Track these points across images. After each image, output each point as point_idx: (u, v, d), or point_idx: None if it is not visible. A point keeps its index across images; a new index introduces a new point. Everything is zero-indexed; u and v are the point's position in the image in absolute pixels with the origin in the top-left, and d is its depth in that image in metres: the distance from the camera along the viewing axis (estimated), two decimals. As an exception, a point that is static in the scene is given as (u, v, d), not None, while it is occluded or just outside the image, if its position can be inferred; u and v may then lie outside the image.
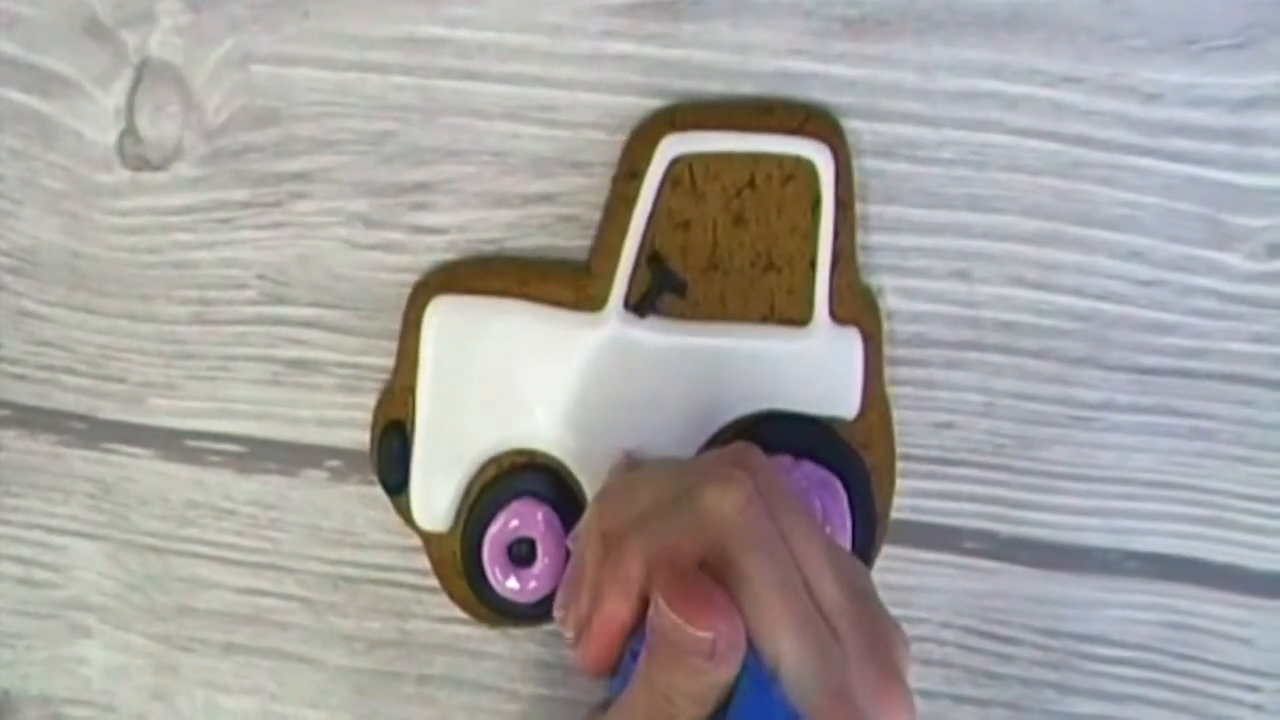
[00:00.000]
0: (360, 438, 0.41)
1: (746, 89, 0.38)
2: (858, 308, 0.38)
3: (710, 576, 0.29)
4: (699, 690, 0.28)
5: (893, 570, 0.40)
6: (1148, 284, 0.38)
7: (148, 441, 0.42)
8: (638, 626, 0.31)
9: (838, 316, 0.38)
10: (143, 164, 0.40)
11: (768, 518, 0.30)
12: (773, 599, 0.29)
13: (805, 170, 0.37)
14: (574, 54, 0.38)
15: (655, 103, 0.38)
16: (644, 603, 0.30)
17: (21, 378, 0.42)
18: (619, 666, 0.32)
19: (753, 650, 0.29)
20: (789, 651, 0.29)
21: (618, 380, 0.38)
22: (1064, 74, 0.37)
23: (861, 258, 0.38)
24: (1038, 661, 0.41)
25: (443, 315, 0.38)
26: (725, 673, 0.28)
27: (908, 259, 0.39)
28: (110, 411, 0.42)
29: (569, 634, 0.33)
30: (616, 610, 0.31)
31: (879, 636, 0.30)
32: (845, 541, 0.39)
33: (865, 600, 0.31)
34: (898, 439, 0.39)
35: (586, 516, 0.34)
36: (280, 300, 0.41)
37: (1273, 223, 0.37)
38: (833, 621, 0.30)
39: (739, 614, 0.28)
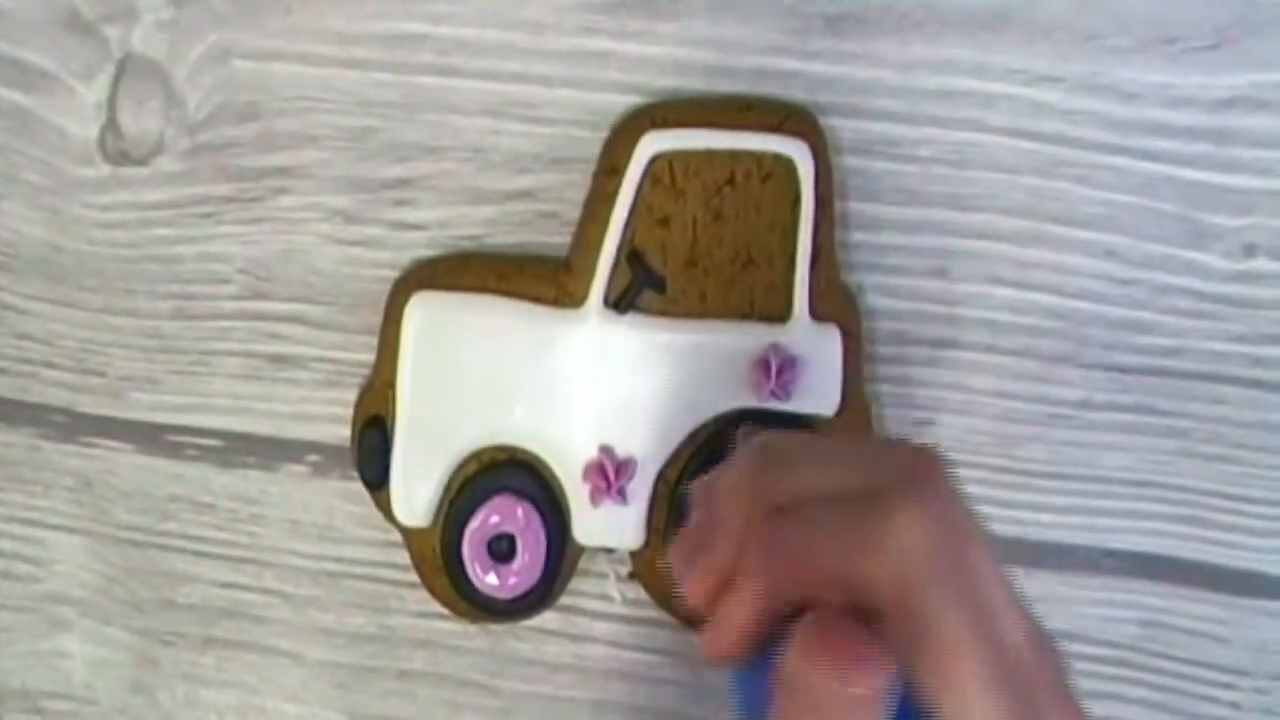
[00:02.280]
0: (341, 433, 0.41)
1: (726, 86, 0.38)
2: (837, 305, 0.38)
3: (881, 612, 0.26)
4: None
5: (871, 567, 0.40)
6: (1125, 283, 0.38)
7: (128, 435, 0.42)
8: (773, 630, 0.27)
9: (817, 314, 0.38)
10: (124, 159, 0.40)
11: (958, 552, 0.26)
12: (964, 656, 0.25)
13: (785, 168, 0.37)
14: (554, 51, 0.38)
15: (635, 100, 0.38)
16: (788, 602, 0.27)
17: (1, 371, 0.42)
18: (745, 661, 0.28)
19: (904, 696, 0.25)
20: (982, 713, 0.25)
21: (597, 377, 0.38)
22: (1043, 73, 0.37)
23: (841, 255, 0.39)
24: (1015, 659, 0.41)
25: (423, 311, 0.39)
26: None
27: (887, 257, 0.39)
28: (90, 405, 0.42)
29: (688, 596, 0.29)
30: (755, 607, 0.27)
31: (1066, 682, 0.27)
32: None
33: (1047, 641, 0.28)
34: (877, 436, 0.40)
35: (736, 469, 0.29)
36: (261, 295, 0.41)
37: (1249, 223, 0.38)
38: (1019, 670, 0.26)
39: (890, 664, 0.25)
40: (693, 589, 0.29)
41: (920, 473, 0.28)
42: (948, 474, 0.28)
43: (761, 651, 0.27)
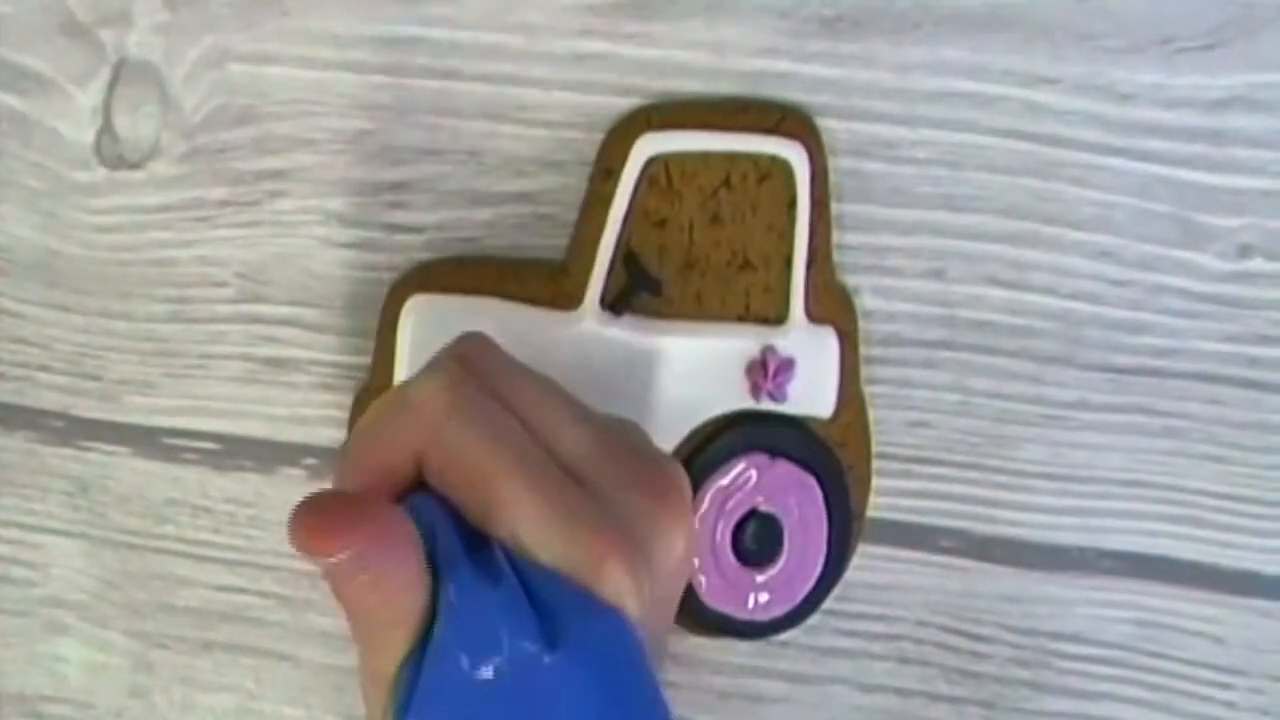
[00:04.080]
0: (337, 436, 0.41)
1: (722, 88, 0.38)
2: (833, 307, 0.39)
3: (446, 482, 0.28)
4: (384, 608, 0.26)
5: (869, 569, 0.40)
6: (1121, 284, 0.38)
7: (125, 439, 0.42)
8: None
9: (813, 315, 0.38)
10: (120, 162, 0.40)
11: (481, 392, 0.28)
12: (496, 472, 0.27)
13: (781, 170, 0.37)
14: (551, 53, 0.38)
15: (632, 102, 0.38)
16: None
17: (-1, 375, 0.42)
18: None
19: (449, 551, 0.26)
20: (528, 519, 0.26)
21: (593, 379, 0.38)
22: (1039, 74, 0.37)
23: (837, 257, 0.39)
24: (1012, 660, 0.41)
25: (419, 314, 0.39)
26: (393, 577, 0.26)
27: (883, 258, 0.39)
28: (87, 409, 0.42)
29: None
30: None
31: (639, 465, 0.29)
32: (820, 542, 0.39)
33: (615, 438, 0.29)
34: (873, 438, 0.40)
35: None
36: (258, 299, 0.41)
37: (1244, 223, 0.38)
38: (578, 470, 0.28)
39: (367, 513, 0.26)
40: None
41: (439, 354, 0.30)
42: (471, 343, 0.30)
43: None
